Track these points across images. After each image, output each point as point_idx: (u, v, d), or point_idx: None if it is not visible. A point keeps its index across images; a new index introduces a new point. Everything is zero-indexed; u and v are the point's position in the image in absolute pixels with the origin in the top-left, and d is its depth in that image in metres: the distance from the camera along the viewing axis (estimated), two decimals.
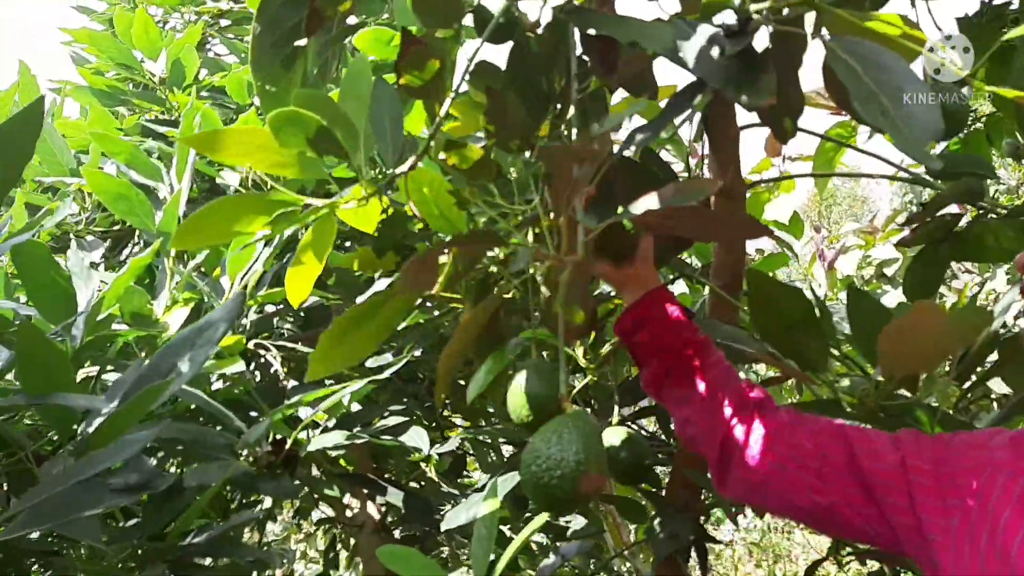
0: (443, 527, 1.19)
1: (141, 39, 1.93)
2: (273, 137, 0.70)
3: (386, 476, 1.56)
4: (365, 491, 1.40)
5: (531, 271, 0.79)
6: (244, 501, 1.41)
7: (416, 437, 1.39)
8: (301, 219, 0.77)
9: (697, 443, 0.76)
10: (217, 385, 1.28)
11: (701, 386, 0.76)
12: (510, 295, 0.85)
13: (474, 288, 0.93)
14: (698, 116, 1.12)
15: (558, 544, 1.31)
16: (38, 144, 1.46)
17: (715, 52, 0.62)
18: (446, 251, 0.62)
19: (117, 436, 0.78)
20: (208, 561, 0.95)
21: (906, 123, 0.48)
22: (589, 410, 1.19)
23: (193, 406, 1.17)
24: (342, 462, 1.47)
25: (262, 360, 1.44)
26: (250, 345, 1.39)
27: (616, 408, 1.09)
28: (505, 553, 0.89)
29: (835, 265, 2.69)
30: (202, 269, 1.34)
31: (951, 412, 0.97)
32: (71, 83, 2.03)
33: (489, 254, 0.83)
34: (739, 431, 0.72)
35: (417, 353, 1.41)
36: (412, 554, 0.92)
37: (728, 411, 0.73)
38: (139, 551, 0.85)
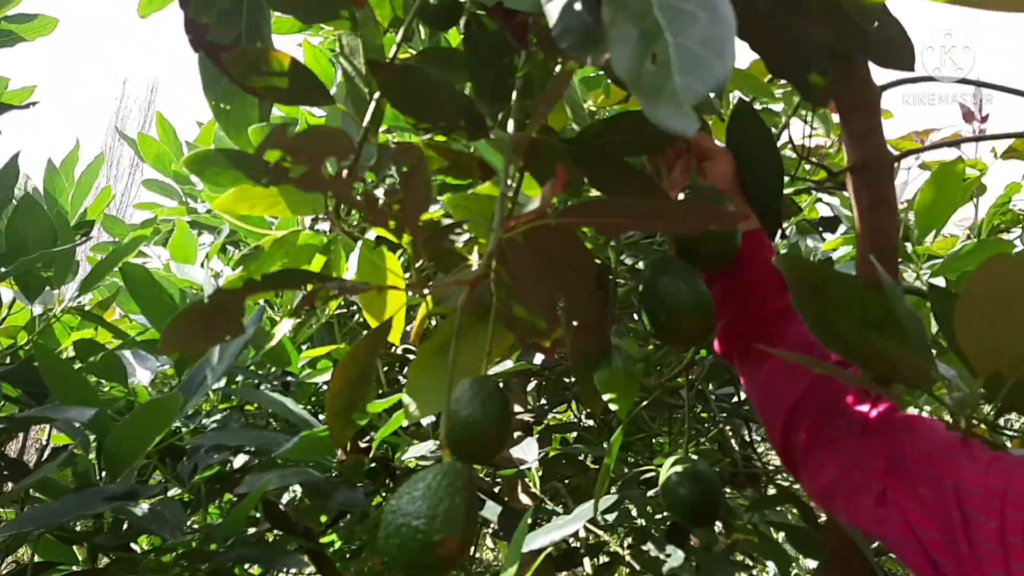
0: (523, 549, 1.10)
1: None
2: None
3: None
4: None
5: None
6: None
7: (525, 449, 1.31)
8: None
9: (767, 427, 0.68)
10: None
11: (768, 364, 0.67)
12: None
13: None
14: None
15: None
16: None
17: (578, 5, 0.48)
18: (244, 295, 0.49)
19: (123, 447, 0.83)
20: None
21: (684, 66, 0.31)
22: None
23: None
24: None
25: None
26: None
27: (685, 433, 0.91)
28: None
29: None
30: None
31: None
32: None
33: None
34: (800, 435, 0.63)
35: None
36: None
37: (791, 403, 0.64)
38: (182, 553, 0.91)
